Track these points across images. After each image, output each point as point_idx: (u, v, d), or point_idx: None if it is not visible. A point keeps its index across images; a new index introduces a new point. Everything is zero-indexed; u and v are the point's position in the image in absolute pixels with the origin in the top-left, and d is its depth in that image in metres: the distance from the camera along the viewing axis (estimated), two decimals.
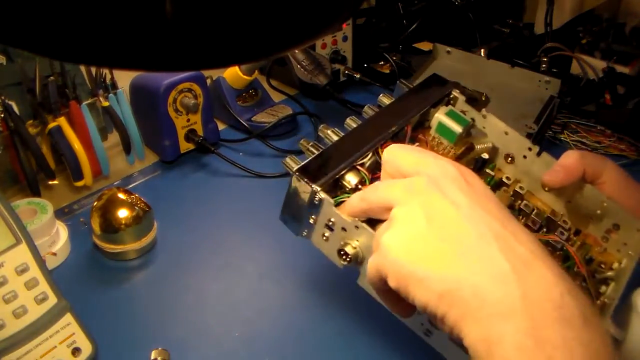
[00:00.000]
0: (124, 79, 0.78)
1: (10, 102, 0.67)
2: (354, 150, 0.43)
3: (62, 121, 0.70)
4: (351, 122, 0.47)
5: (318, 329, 0.54)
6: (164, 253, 0.64)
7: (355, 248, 0.39)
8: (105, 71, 0.74)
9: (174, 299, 0.58)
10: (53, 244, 0.61)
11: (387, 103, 0.49)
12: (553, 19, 0.98)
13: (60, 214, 0.68)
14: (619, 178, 0.45)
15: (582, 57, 0.92)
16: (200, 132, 0.80)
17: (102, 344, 0.51)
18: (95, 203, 0.62)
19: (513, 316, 0.28)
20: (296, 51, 0.86)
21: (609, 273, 0.45)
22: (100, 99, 0.74)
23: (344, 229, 0.40)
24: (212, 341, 0.53)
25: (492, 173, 0.50)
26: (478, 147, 0.50)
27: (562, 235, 0.46)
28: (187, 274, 0.61)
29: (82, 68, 0.74)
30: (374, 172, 0.44)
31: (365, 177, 0.43)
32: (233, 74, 0.85)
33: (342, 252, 0.39)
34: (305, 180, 0.41)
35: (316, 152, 0.44)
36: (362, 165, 0.43)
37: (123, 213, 0.61)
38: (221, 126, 0.86)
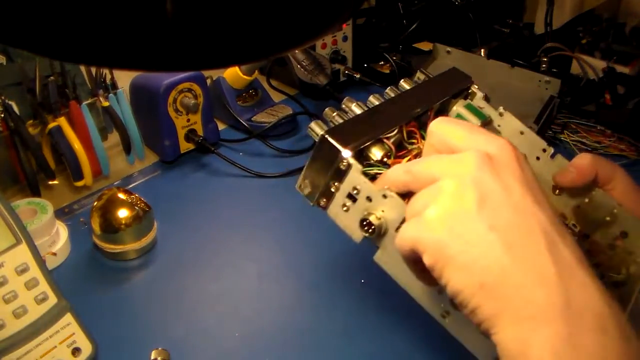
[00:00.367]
0: (124, 79, 0.78)
1: (10, 102, 0.67)
2: (380, 124, 0.42)
3: (62, 121, 0.70)
4: (374, 99, 0.46)
5: (318, 328, 0.54)
6: (164, 253, 0.64)
7: (379, 219, 0.37)
8: (105, 71, 0.74)
9: (174, 299, 0.58)
10: (53, 244, 0.61)
11: (408, 88, 0.49)
12: (553, 19, 0.98)
13: (60, 214, 0.68)
14: (629, 186, 0.45)
15: (582, 57, 0.92)
16: (200, 132, 0.80)
17: (102, 344, 0.51)
18: (95, 203, 0.62)
19: (553, 321, 0.28)
20: (296, 51, 0.86)
21: (619, 277, 0.45)
22: (100, 99, 0.74)
23: (369, 198, 0.37)
24: (212, 341, 0.53)
25: None
26: None
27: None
28: (187, 274, 0.61)
29: (82, 68, 0.74)
30: (396, 150, 0.43)
31: (391, 150, 0.41)
32: (233, 74, 0.86)
33: (365, 222, 0.37)
34: (335, 143, 0.38)
35: (341, 122, 0.42)
36: (387, 139, 0.42)
37: (123, 213, 0.61)
38: (221, 126, 0.86)
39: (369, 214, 0.37)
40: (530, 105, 0.80)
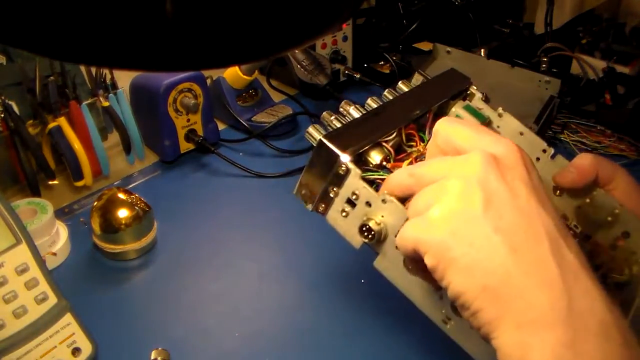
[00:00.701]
0: (124, 79, 0.78)
1: (10, 102, 0.67)
2: (378, 128, 0.41)
3: (62, 121, 0.70)
4: (372, 102, 0.46)
5: (318, 329, 0.54)
6: (164, 253, 0.64)
7: (379, 224, 0.36)
8: (105, 71, 0.74)
9: (174, 299, 0.58)
10: (53, 244, 0.61)
11: (406, 90, 0.49)
12: (553, 19, 0.98)
13: (60, 214, 0.68)
14: (630, 186, 0.44)
15: (582, 57, 0.92)
16: (200, 132, 0.80)
17: (102, 344, 0.51)
18: (95, 203, 0.62)
19: (556, 326, 0.28)
20: (296, 51, 0.86)
21: (621, 278, 0.44)
22: (100, 99, 0.74)
23: (368, 203, 0.37)
24: (212, 341, 0.53)
25: None
26: None
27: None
28: (187, 274, 0.61)
29: (82, 68, 0.74)
30: (397, 153, 0.43)
31: (390, 154, 0.41)
32: (233, 74, 0.86)
33: (364, 228, 0.37)
34: (333, 147, 0.38)
35: (339, 126, 0.42)
36: (386, 142, 0.42)
37: (123, 213, 0.61)
38: (221, 126, 0.86)
39: (369, 219, 0.37)
40: (530, 105, 0.80)
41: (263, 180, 0.77)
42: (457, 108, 0.49)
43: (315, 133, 0.41)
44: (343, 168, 0.38)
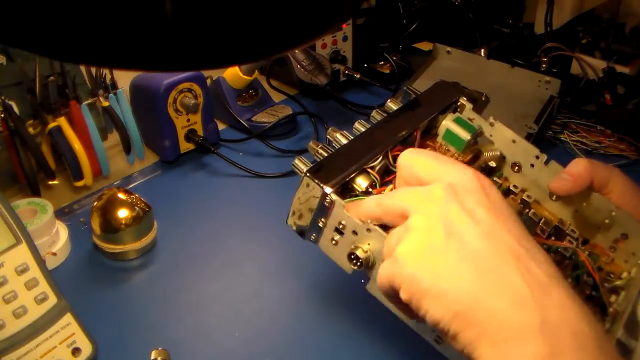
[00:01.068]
0: (124, 79, 0.78)
1: (10, 102, 0.67)
2: (364, 153, 0.43)
3: (62, 121, 0.70)
4: (359, 126, 0.46)
5: (318, 329, 0.54)
6: (164, 253, 0.64)
7: (366, 252, 0.38)
8: (105, 71, 0.74)
9: (174, 299, 0.58)
10: (53, 244, 0.61)
11: (395, 108, 0.49)
12: (553, 19, 0.98)
13: (60, 214, 0.68)
14: (626, 188, 0.44)
15: (582, 57, 0.92)
16: (200, 132, 0.80)
17: (102, 344, 0.51)
18: (95, 203, 0.62)
19: (531, 341, 0.28)
20: (296, 51, 0.87)
21: (618, 282, 0.44)
22: (100, 99, 0.74)
23: (354, 232, 0.39)
24: (212, 341, 0.53)
25: (499, 181, 0.49)
26: (486, 154, 0.49)
27: (570, 244, 0.45)
28: (187, 274, 0.61)
29: (82, 68, 0.74)
30: (384, 176, 0.43)
31: (376, 180, 0.42)
32: (233, 74, 0.85)
33: (352, 256, 0.38)
34: (316, 181, 0.39)
35: (325, 155, 0.43)
36: (372, 168, 0.43)
37: (123, 213, 0.61)
38: (221, 126, 0.86)
39: (356, 247, 0.38)
40: (530, 105, 0.80)
41: (263, 180, 0.77)
42: (447, 121, 0.49)
43: (301, 165, 0.42)
44: (328, 200, 0.39)
